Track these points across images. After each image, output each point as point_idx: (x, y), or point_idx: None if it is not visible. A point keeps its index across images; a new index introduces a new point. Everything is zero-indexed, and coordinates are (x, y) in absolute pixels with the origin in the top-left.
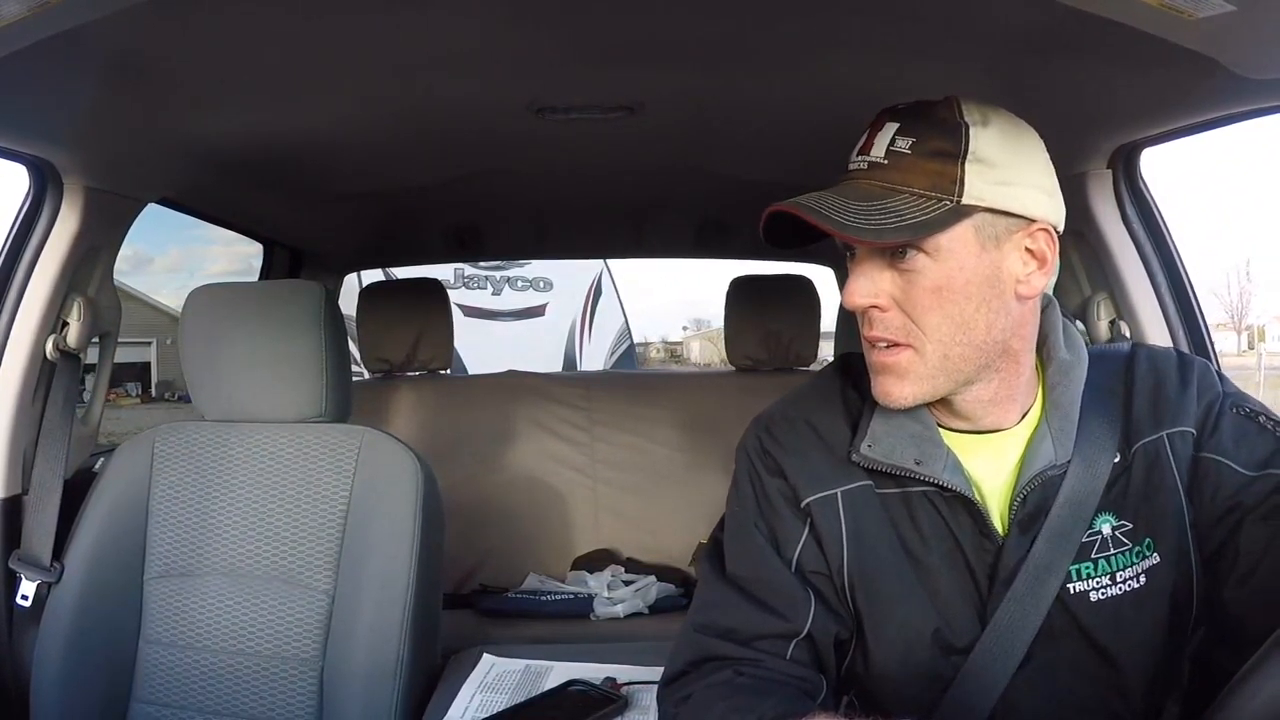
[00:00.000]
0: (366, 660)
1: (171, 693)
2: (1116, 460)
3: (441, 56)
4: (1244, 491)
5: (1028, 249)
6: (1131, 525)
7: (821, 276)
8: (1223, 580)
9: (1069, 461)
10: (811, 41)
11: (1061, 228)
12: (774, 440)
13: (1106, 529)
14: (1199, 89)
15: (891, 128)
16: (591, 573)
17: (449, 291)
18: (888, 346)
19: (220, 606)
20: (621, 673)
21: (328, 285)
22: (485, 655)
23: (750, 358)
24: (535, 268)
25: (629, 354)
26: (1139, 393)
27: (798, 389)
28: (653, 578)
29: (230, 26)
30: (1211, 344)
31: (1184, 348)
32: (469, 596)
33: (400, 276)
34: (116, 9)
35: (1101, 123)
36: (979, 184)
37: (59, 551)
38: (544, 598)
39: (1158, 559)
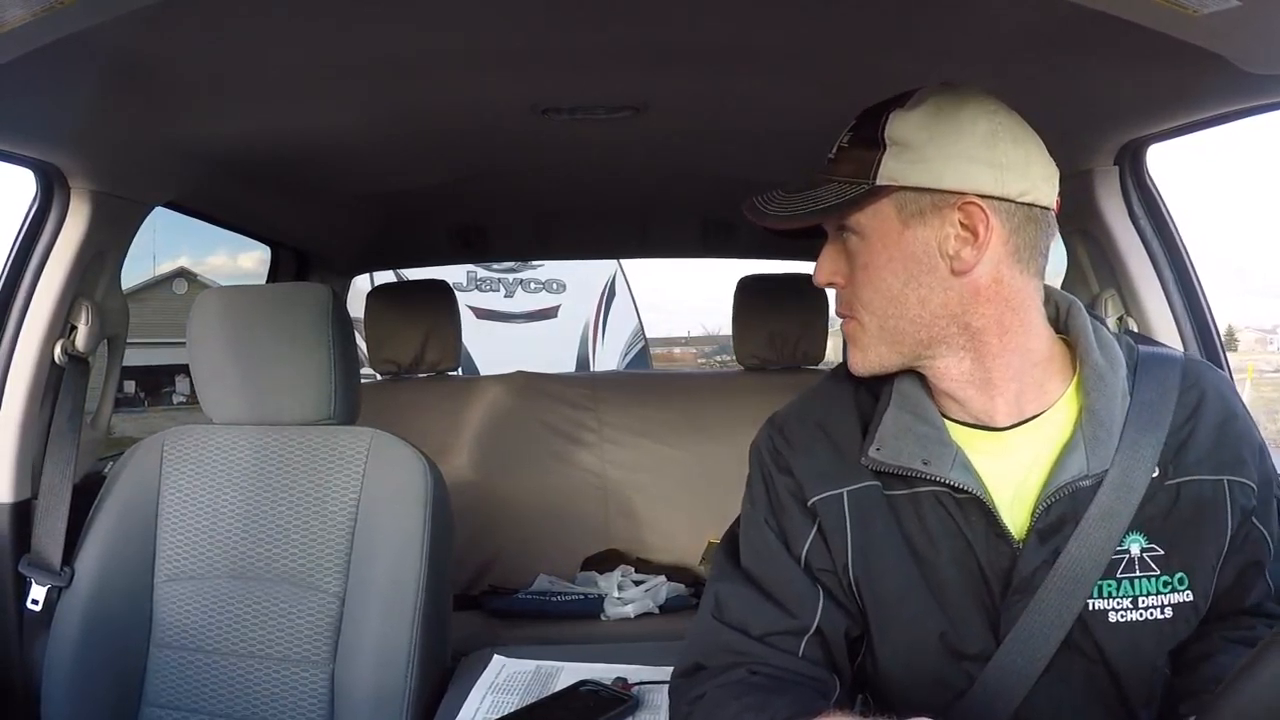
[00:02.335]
0: (377, 662)
1: (182, 696)
2: (1155, 476)
3: (446, 57)
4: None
5: (961, 223)
6: (1164, 552)
7: None
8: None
9: (1105, 472)
10: (815, 41)
11: (1012, 196)
12: (785, 440)
13: (1135, 549)
14: (1205, 85)
15: (853, 124)
16: (601, 573)
17: (461, 294)
18: (846, 319)
19: (230, 609)
20: (632, 673)
21: (335, 287)
22: (495, 656)
23: (758, 357)
24: (548, 269)
25: (643, 355)
26: (1205, 422)
27: (811, 389)
28: (662, 578)
29: (235, 30)
30: (1219, 340)
31: (1191, 344)
32: (479, 597)
33: (411, 278)
34: (121, 13)
35: (1107, 119)
36: (893, 164)
37: (69, 556)
38: (554, 598)
39: (1190, 597)
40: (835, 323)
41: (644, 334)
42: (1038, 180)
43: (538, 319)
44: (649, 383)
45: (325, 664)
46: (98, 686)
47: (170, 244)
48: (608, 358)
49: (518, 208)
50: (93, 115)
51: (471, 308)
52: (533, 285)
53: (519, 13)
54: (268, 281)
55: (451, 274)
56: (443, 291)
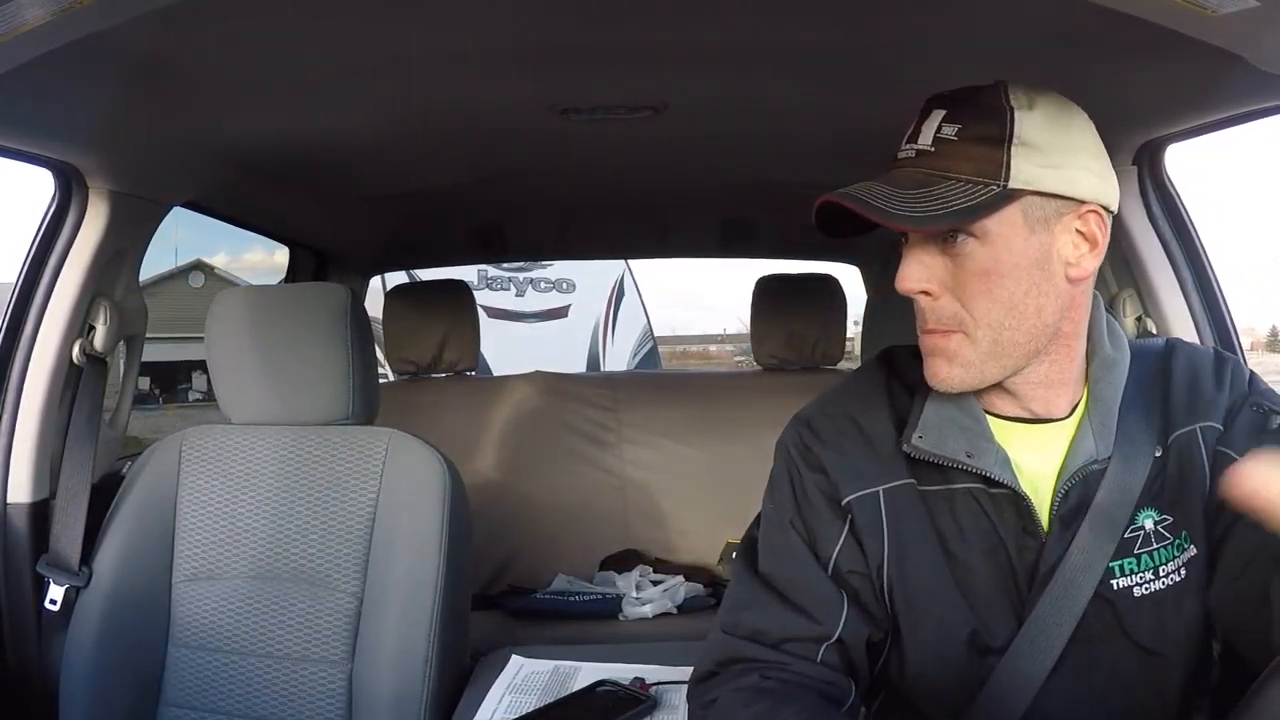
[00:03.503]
0: (395, 662)
1: (200, 696)
2: (1158, 454)
3: (466, 57)
4: None
5: (1078, 231)
6: (1172, 519)
7: (848, 275)
8: (1211, 580)
9: (1110, 457)
10: (834, 42)
11: (1115, 208)
12: (815, 436)
13: (1149, 524)
14: (1223, 85)
15: (939, 115)
16: (619, 573)
17: (474, 294)
18: (943, 330)
19: (248, 609)
20: (650, 673)
21: (353, 287)
22: (514, 656)
23: (776, 357)
24: (558, 269)
25: (652, 354)
26: (1176, 388)
27: (839, 384)
28: (681, 578)
29: (254, 29)
30: (1238, 340)
31: (1210, 344)
32: (497, 597)
33: (425, 279)
34: (139, 13)
35: (1126, 119)
36: (1026, 167)
37: (87, 556)
38: (572, 598)
39: (1194, 551)
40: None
41: (653, 334)
42: (1113, 185)
43: (549, 318)
44: (668, 383)
45: (343, 664)
46: (116, 686)
47: (197, 239)
48: (618, 357)
49: (537, 208)
50: (111, 115)
51: (484, 307)
52: (543, 284)
53: (539, 13)
54: (285, 281)
55: (463, 273)
56: (461, 291)
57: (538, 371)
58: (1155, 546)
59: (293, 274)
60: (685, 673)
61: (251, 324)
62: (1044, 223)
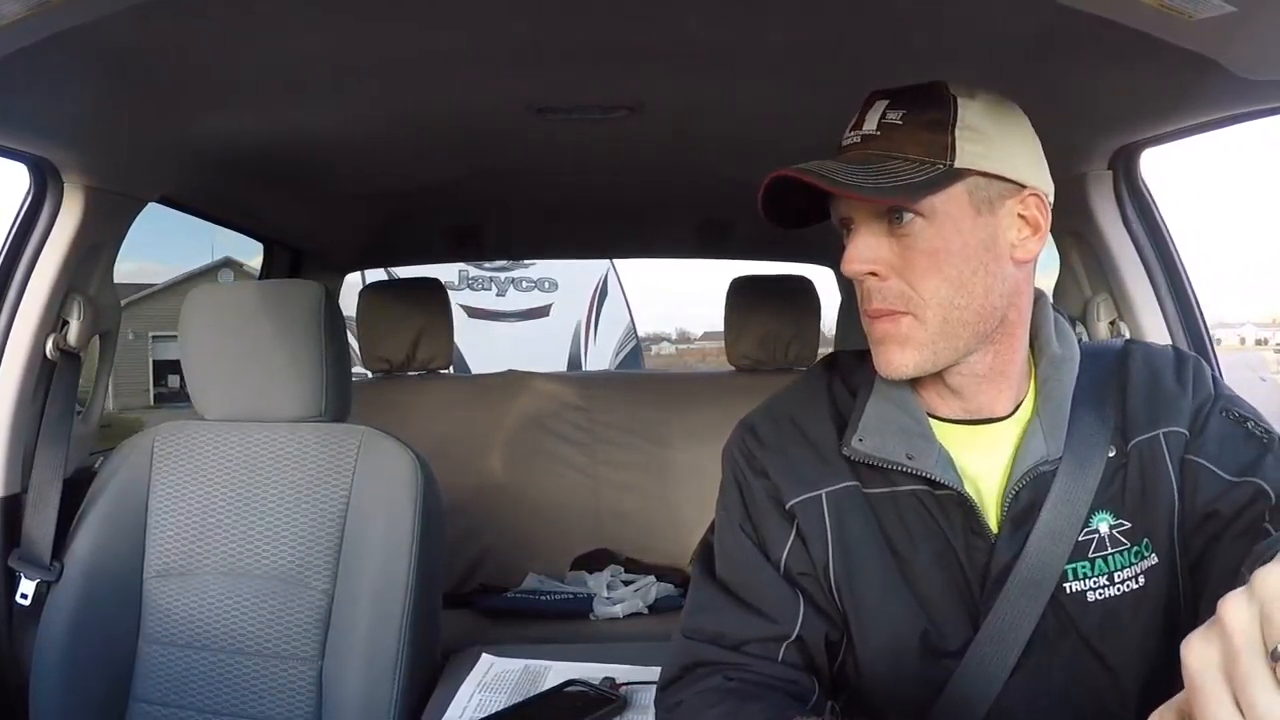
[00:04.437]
0: (365, 659)
1: (171, 692)
2: (1112, 455)
3: (441, 57)
4: (1223, 499)
5: (1020, 215)
6: (1130, 525)
7: (822, 277)
8: (1199, 594)
9: (1060, 458)
10: (809, 43)
11: (1051, 199)
12: (757, 440)
13: (1104, 528)
14: (1199, 90)
15: (882, 104)
16: (591, 572)
17: (452, 293)
18: (889, 314)
19: (220, 606)
20: (620, 672)
21: (328, 285)
22: (484, 655)
23: (750, 358)
24: (540, 268)
25: (635, 354)
26: (1134, 389)
27: (784, 388)
28: (652, 578)
29: (230, 26)
30: (1211, 345)
31: (1184, 349)
32: (468, 596)
33: (403, 276)
34: (117, 8)
35: (1101, 124)
36: (970, 148)
37: (58, 550)
38: (543, 597)
39: (1155, 560)
40: (827, 327)
41: (636, 333)
42: (1048, 176)
43: (529, 318)
44: (640, 383)
45: (314, 660)
46: (87, 681)
47: (232, 236)
48: (599, 357)
49: (513, 207)
50: (87, 110)
51: (463, 306)
52: (525, 284)
53: (514, 13)
54: (260, 278)
55: (443, 273)
56: (436, 290)
57: (511, 370)
58: (1110, 551)
59: (268, 271)
60: (656, 673)
61: (225, 320)
62: (989, 204)
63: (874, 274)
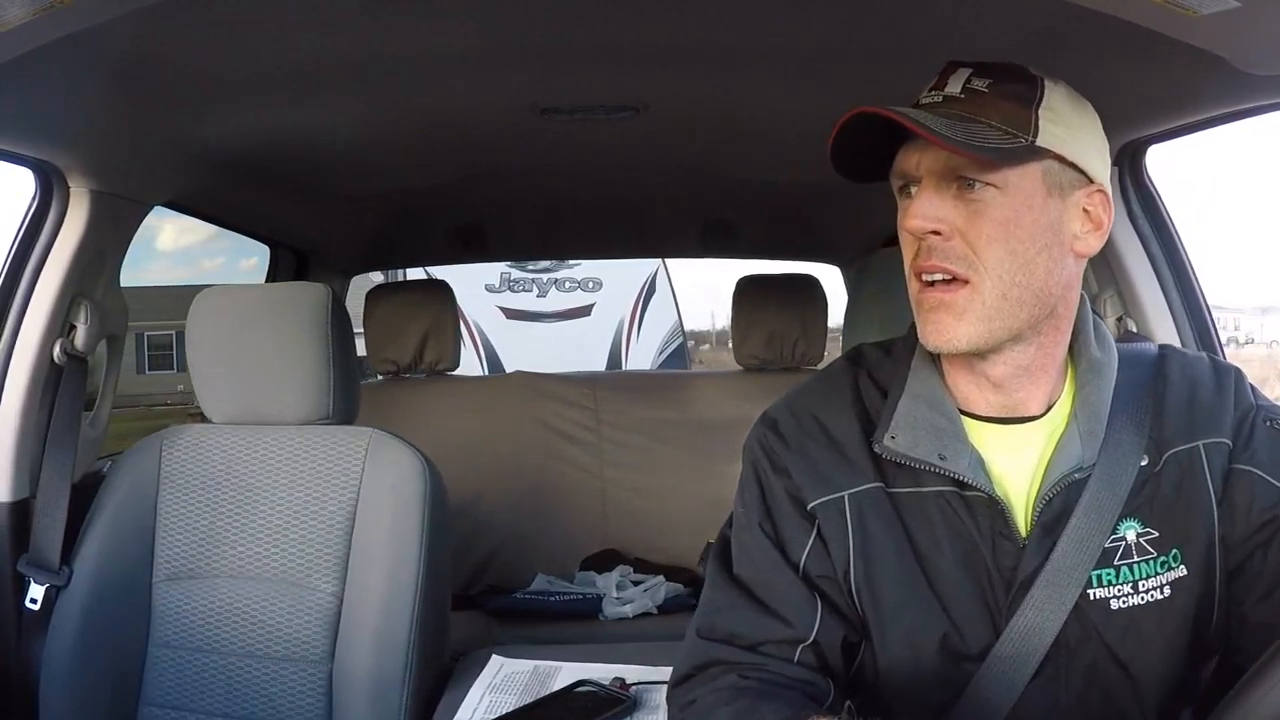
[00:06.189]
0: (375, 662)
1: (180, 695)
2: (1144, 464)
3: (446, 58)
4: (1279, 505)
5: (1085, 209)
6: (1158, 534)
7: (829, 276)
8: (1245, 596)
9: (1094, 464)
10: (815, 43)
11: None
12: (779, 438)
13: (1131, 535)
14: (1204, 86)
15: (965, 71)
16: (600, 573)
17: (492, 295)
18: (945, 282)
19: (228, 609)
20: (630, 673)
21: (334, 287)
22: (494, 656)
23: (757, 357)
24: (585, 268)
25: (679, 352)
26: (1172, 399)
27: (807, 382)
28: (661, 578)
29: (235, 30)
30: (1218, 341)
31: (1190, 345)
32: (477, 597)
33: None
34: (120, 13)
35: (1106, 120)
36: (1052, 130)
37: (67, 555)
38: (552, 598)
39: (1184, 572)
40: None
41: (683, 330)
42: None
43: (569, 318)
44: (648, 383)
45: (323, 663)
46: (96, 685)
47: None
48: (641, 355)
49: (518, 208)
50: (92, 115)
51: (502, 308)
52: (568, 284)
53: (520, 13)
54: (266, 281)
55: (485, 275)
56: (442, 291)
57: (518, 371)
58: (1136, 559)
59: (273, 274)
60: (665, 673)
61: (232, 323)
62: (1060, 190)
63: (937, 232)
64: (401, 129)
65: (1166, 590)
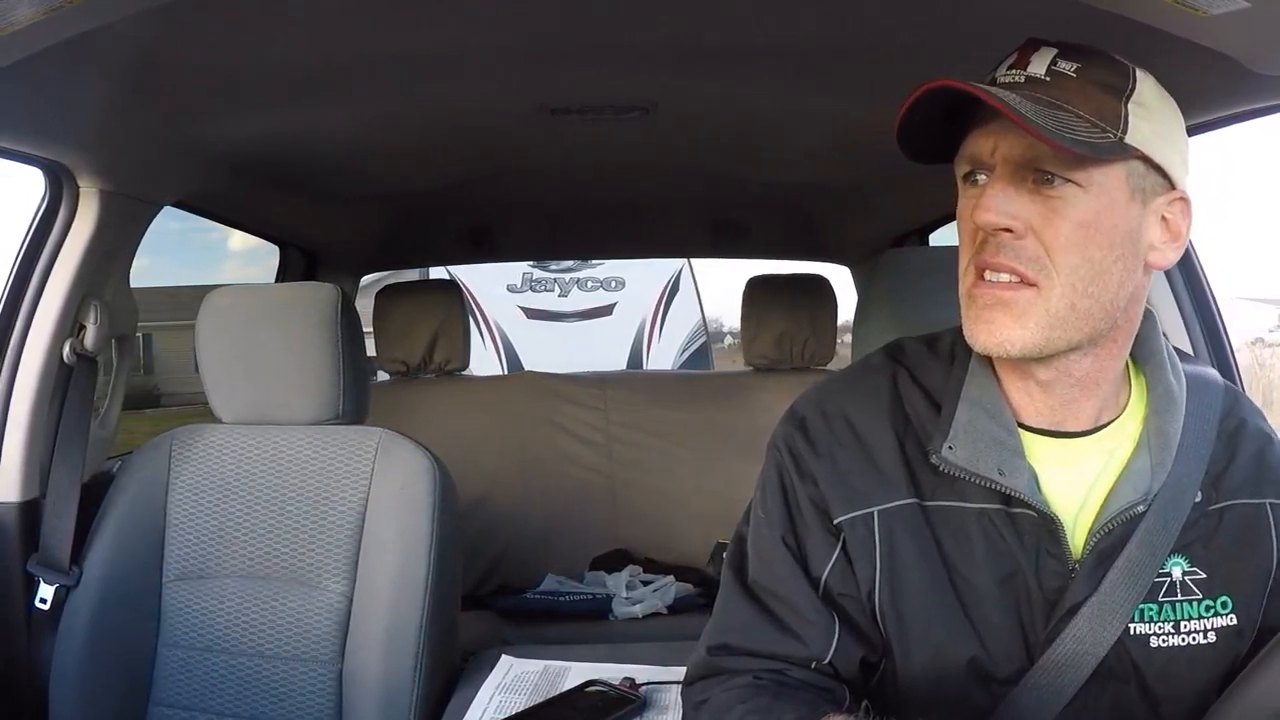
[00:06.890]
0: (385, 662)
1: (190, 695)
2: (1198, 501)
3: (455, 58)
4: None
5: (1164, 218)
6: (1206, 576)
7: (838, 276)
8: (1260, 642)
9: (1156, 495)
10: (822, 44)
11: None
12: (807, 440)
13: (1177, 573)
14: (1215, 86)
15: (1050, 51)
16: (609, 573)
17: (513, 295)
18: (1010, 282)
19: (238, 609)
20: (640, 673)
21: (344, 287)
22: (504, 656)
23: (766, 357)
24: (607, 268)
25: (702, 351)
26: (1246, 448)
27: (842, 374)
28: (671, 578)
29: (244, 30)
30: (1230, 347)
31: (1201, 348)
32: (487, 597)
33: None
34: (130, 13)
35: None
36: (1142, 126)
37: (77, 555)
38: (562, 598)
39: (1234, 622)
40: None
41: (706, 330)
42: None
43: (590, 317)
44: (657, 383)
45: (333, 663)
46: (106, 686)
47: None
48: (663, 355)
49: (527, 208)
50: (101, 115)
51: (523, 308)
52: (590, 284)
53: (529, 13)
54: (276, 281)
55: (507, 275)
56: (451, 291)
57: (528, 371)
58: (1180, 599)
59: (283, 274)
60: (676, 673)
61: (242, 323)
62: (1142, 195)
63: (1009, 230)
64: (412, 129)
65: (1211, 636)
